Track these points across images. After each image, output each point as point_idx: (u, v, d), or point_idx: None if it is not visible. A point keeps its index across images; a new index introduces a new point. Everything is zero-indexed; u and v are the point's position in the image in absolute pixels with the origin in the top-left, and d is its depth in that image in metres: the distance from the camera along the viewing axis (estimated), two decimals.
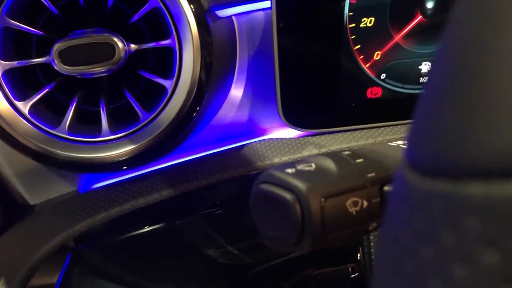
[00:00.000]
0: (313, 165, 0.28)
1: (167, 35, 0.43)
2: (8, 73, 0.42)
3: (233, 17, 0.50)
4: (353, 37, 0.50)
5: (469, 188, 0.11)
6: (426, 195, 0.12)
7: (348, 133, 0.52)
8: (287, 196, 0.26)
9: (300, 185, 0.26)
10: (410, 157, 0.13)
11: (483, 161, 0.10)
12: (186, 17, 0.42)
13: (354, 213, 0.27)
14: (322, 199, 0.26)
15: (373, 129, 0.52)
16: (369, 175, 0.28)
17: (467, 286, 0.10)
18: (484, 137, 0.11)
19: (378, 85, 0.52)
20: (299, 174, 0.27)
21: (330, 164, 0.28)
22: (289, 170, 0.27)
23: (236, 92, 0.53)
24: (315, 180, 0.27)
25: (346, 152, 0.30)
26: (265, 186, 0.28)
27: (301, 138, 0.52)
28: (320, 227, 0.26)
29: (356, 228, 0.27)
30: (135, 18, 0.43)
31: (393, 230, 0.13)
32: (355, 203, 0.27)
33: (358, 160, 0.29)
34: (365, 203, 0.28)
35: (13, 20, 0.41)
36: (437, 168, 0.12)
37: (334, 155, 0.29)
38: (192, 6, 0.42)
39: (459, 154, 0.11)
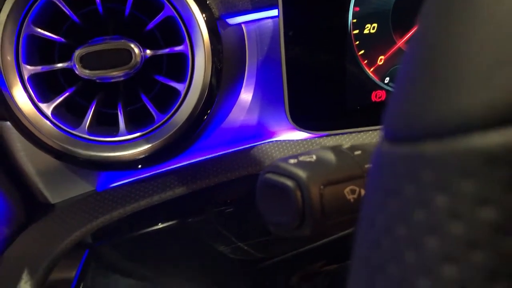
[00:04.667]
0: (314, 157, 0.30)
1: (180, 42, 0.46)
2: (33, 78, 0.45)
3: (243, 25, 0.52)
4: (357, 43, 0.52)
5: (425, 147, 0.13)
6: (393, 158, 0.14)
7: (354, 134, 0.54)
8: (289, 183, 0.28)
9: (301, 173, 0.28)
10: (384, 130, 0.15)
11: (436, 124, 0.13)
12: (198, 25, 0.45)
13: (352, 200, 0.29)
14: (321, 186, 0.28)
15: (377, 131, 0.54)
16: (367, 166, 0.30)
17: (424, 226, 0.13)
18: (435, 105, 0.13)
19: (382, 88, 0.54)
20: (300, 164, 0.29)
21: (330, 156, 0.31)
22: (292, 161, 0.30)
23: (246, 96, 0.56)
24: (315, 169, 0.29)
25: (346, 146, 0.32)
26: (269, 176, 0.30)
27: (308, 140, 0.54)
28: (319, 212, 0.28)
29: (354, 214, 0.30)
30: (151, 25, 0.46)
31: (370, 192, 0.15)
32: (352, 191, 0.29)
33: (356, 153, 0.31)
34: (362, 191, 0.30)
35: (38, 28, 0.44)
36: (401, 135, 0.14)
37: (334, 148, 0.32)
38: (204, 14, 0.45)
39: (416, 121, 0.14)
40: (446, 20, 0.14)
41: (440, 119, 0.13)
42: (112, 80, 0.46)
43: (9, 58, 0.44)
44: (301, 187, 0.28)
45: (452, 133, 0.12)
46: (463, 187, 0.12)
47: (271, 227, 0.31)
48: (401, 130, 0.14)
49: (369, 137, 0.54)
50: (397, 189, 0.13)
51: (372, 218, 0.15)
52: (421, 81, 0.14)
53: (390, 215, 0.14)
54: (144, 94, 0.47)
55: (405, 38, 0.52)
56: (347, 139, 0.54)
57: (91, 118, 0.46)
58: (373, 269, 0.14)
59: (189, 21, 0.45)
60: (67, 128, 0.46)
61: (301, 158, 0.30)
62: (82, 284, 0.53)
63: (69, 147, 0.46)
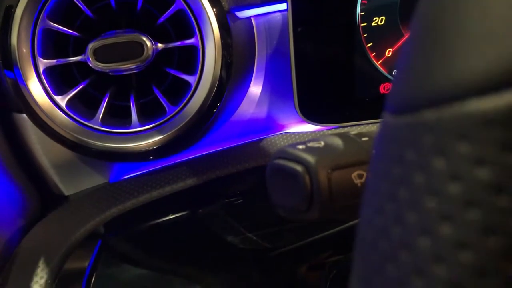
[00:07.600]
0: (322, 143, 0.31)
1: (191, 35, 0.47)
2: (48, 71, 0.47)
3: (252, 18, 0.53)
4: (365, 35, 0.53)
5: (425, 115, 0.14)
6: (396, 127, 0.15)
7: (362, 126, 0.55)
8: (298, 168, 0.29)
9: (309, 158, 0.29)
10: (387, 105, 0.16)
11: (434, 93, 0.14)
12: (209, 18, 0.46)
13: (359, 184, 0.30)
14: (329, 171, 0.29)
15: None
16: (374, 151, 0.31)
17: (424, 188, 0.13)
18: (433, 75, 0.14)
19: (390, 81, 0.55)
20: (309, 150, 0.30)
21: (337, 142, 0.31)
22: (300, 147, 0.30)
23: (255, 89, 0.56)
24: (323, 154, 0.30)
25: (353, 132, 0.33)
26: (279, 161, 0.31)
27: (316, 132, 0.55)
28: (327, 196, 0.29)
29: (361, 198, 0.30)
30: (162, 19, 0.47)
31: (375, 162, 0.16)
32: (360, 176, 0.30)
33: (363, 139, 0.32)
34: None
35: (53, 22, 0.46)
36: (402, 107, 0.15)
37: (341, 135, 0.32)
38: (214, 8, 0.46)
39: (416, 93, 0.14)
40: None
41: (438, 88, 0.14)
42: (125, 73, 0.47)
43: (25, 51, 0.45)
44: (310, 171, 0.29)
45: (449, 100, 0.13)
46: (460, 149, 0.13)
47: (281, 211, 0.31)
48: (403, 102, 0.15)
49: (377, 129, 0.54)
50: (400, 155, 0.14)
51: (376, 185, 0.15)
52: (419, 53, 0.15)
53: (393, 180, 0.14)
54: (155, 86, 0.48)
55: None
56: (356, 131, 0.54)
57: (104, 110, 0.47)
58: (376, 232, 0.15)
59: (199, 14, 0.46)
60: (81, 119, 0.47)
61: (310, 144, 0.31)
62: (95, 273, 0.54)
63: (83, 138, 0.47)
